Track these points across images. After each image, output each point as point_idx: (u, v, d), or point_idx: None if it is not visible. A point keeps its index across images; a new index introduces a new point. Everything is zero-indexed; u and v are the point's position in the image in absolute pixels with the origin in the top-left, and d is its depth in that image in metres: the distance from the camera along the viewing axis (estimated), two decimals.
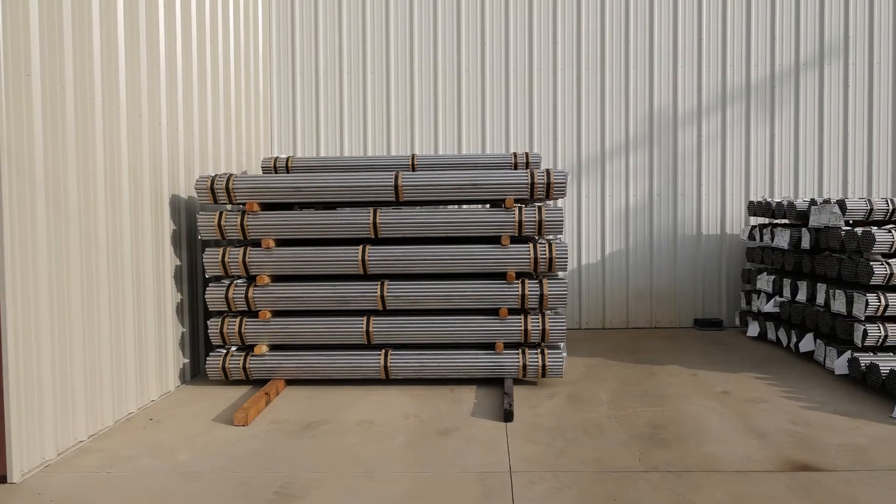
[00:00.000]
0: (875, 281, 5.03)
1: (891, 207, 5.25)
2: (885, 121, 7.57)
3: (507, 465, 3.64)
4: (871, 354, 5.14)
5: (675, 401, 4.81)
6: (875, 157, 7.59)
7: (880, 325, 5.08)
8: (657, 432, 4.16)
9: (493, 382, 5.30)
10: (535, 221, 5.02)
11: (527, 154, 6.34)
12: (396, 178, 5.07)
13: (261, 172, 6.81)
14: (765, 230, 6.65)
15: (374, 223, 5.08)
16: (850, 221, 5.44)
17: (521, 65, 7.71)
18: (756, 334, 6.93)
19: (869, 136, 7.59)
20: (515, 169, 6.34)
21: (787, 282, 6.24)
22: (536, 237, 5.35)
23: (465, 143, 7.75)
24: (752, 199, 7.66)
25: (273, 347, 5.33)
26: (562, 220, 5.01)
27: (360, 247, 5.12)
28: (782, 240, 6.19)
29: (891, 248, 5.01)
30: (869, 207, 5.27)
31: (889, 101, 7.57)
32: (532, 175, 5.02)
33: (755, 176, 7.68)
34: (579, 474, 3.52)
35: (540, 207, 5.04)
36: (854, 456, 3.71)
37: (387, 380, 5.30)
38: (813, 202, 5.81)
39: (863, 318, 5.10)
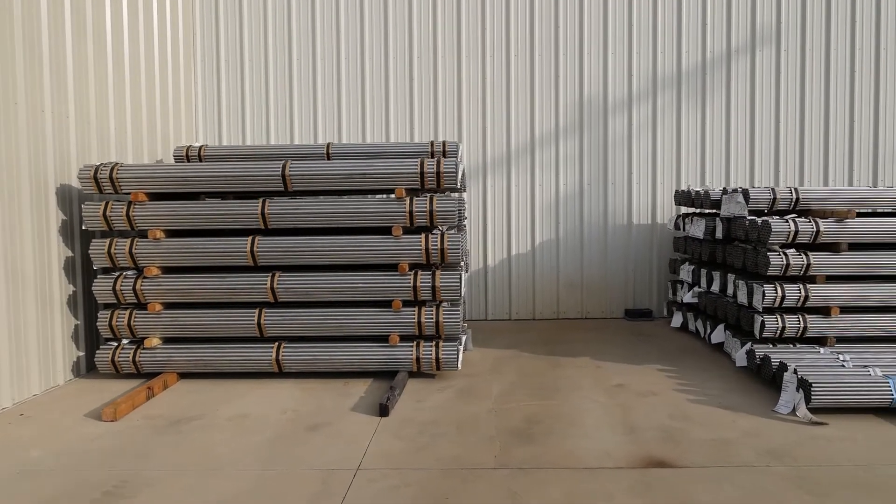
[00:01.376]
0: (772, 271, 4.94)
1: (795, 197, 5.16)
2: (817, 108, 7.48)
3: (358, 463, 3.56)
4: (771, 346, 5.06)
5: (565, 394, 4.73)
6: (807, 146, 7.50)
7: (778, 317, 5.00)
8: (530, 427, 4.08)
9: (391, 375, 5.20)
10: (426, 212, 4.91)
11: (444, 143, 6.24)
12: (284, 167, 4.95)
13: (173, 161, 6.67)
14: (686, 220, 6.56)
15: (263, 214, 4.97)
16: (765, 210, 5.35)
17: (450, 52, 7.57)
18: (679, 325, 6.87)
19: (801, 124, 7.49)
20: (432, 158, 6.23)
21: (703, 272, 6.16)
22: (442, 228, 5.24)
23: (393, 131, 7.62)
24: (682, 187, 7.56)
25: (167, 340, 5.22)
26: (454, 210, 4.90)
27: (250, 238, 5.01)
28: (698, 229, 6.10)
29: (788, 237, 4.93)
30: (772, 197, 5.18)
31: (822, 87, 7.47)
32: (422, 164, 4.90)
33: (686, 164, 7.58)
34: (427, 472, 3.44)
35: (432, 197, 4.93)
36: (716, 451, 3.63)
37: (281, 373, 5.19)
38: (725, 191, 5.71)
39: (760, 310, 5.02)
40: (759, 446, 3.69)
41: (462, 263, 5.49)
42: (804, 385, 4.11)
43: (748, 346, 5.08)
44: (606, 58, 7.54)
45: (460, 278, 4.96)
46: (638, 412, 4.31)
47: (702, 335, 6.24)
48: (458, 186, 5.16)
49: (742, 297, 5.25)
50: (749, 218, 5.24)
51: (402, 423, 4.19)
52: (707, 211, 6.50)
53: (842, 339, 5.10)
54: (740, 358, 5.10)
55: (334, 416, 4.34)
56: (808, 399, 4.09)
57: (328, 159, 6.04)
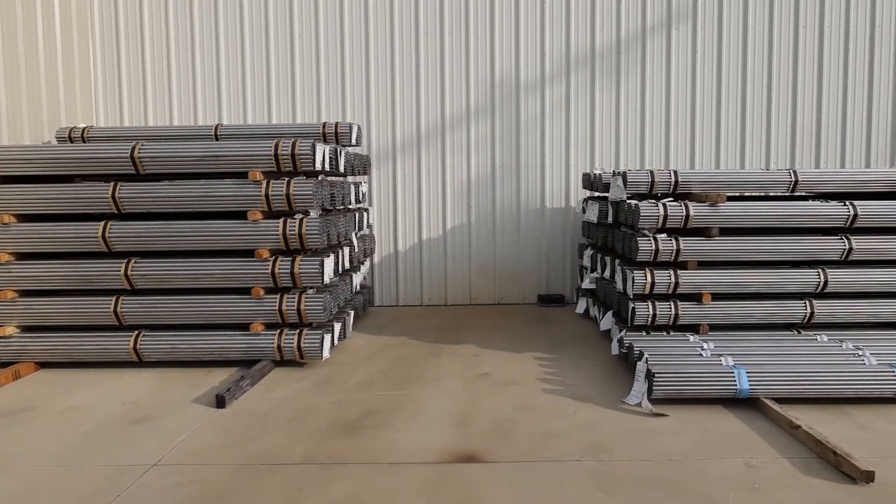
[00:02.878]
0: (642, 257, 4.79)
1: (674, 179, 4.99)
2: (734, 88, 7.28)
3: (159, 458, 3.41)
4: (644, 334, 4.92)
5: (425, 384, 4.59)
6: (723, 127, 7.32)
7: (650, 304, 4.85)
8: (364, 419, 3.93)
9: (265, 366, 5.03)
10: (282, 196, 4.72)
11: (336, 124, 6.06)
12: (133, 149, 4.75)
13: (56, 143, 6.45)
14: (586, 203, 6.39)
15: (115, 197, 4.77)
16: (644, 193, 5.18)
17: (357, 30, 7.33)
18: (583, 311, 6.73)
19: (717, 105, 7.30)
20: (324, 140, 6.05)
21: (599, 257, 6.01)
22: (315, 212, 5.06)
23: (300, 112, 7.42)
24: (596, 170, 7.38)
25: (25, 329, 5.05)
26: (311, 195, 4.71)
27: (102, 223, 4.82)
28: (592, 213, 5.94)
29: (658, 221, 4.77)
30: (650, 179, 5.01)
31: (739, 66, 7.27)
32: (276, 146, 4.71)
33: (601, 146, 7.39)
34: (224, 468, 3.29)
35: (289, 181, 4.74)
36: (536, 445, 3.50)
37: (143, 362, 5.03)
38: (614, 174, 5.54)
39: (631, 296, 4.87)
40: (584, 440, 3.56)
41: (328, 248, 5.32)
42: (649, 375, 3.97)
43: (622, 333, 4.93)
44: (518, 36, 7.32)
45: (321, 264, 4.79)
46: (486, 403, 4.17)
47: (598, 322, 6.10)
48: (325, 169, 4.97)
49: (620, 284, 5.10)
50: (628, 202, 5.07)
51: (236, 414, 4.05)
52: (599, 194, 6.34)
53: (716, 327, 4.95)
54: (614, 346, 4.97)
55: (172, 408, 4.19)
56: (650, 390, 3.95)
57: (216, 140, 5.85)
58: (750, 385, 3.90)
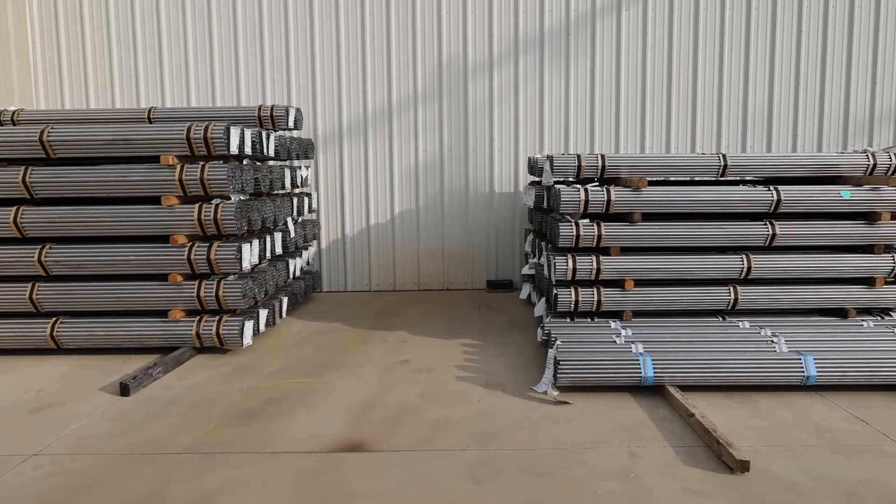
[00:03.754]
0: (563, 242, 4.72)
1: (601, 163, 4.91)
2: (685, 70, 7.18)
3: (42, 448, 3.37)
4: (568, 320, 4.87)
5: (341, 371, 4.54)
6: (674, 109, 7.23)
7: (572, 290, 4.79)
8: (266, 407, 3.89)
9: (184, 353, 4.96)
10: (197, 180, 4.64)
11: (272, 107, 5.97)
12: (42, 133, 4.65)
13: None
14: (526, 189, 6.32)
15: (26, 182, 4.68)
16: (572, 178, 5.10)
17: (301, 11, 7.20)
18: (526, 297, 6.68)
19: (668, 87, 7.20)
20: (260, 123, 5.96)
21: (536, 242, 5.95)
22: (239, 196, 4.98)
23: (244, 95, 7.30)
24: (545, 154, 7.29)
25: None
26: (225, 179, 4.62)
27: (14, 208, 4.73)
28: (529, 198, 5.87)
29: (579, 206, 4.69)
30: (577, 164, 4.93)
31: (690, 48, 7.16)
32: (189, 130, 4.61)
33: (550, 130, 7.30)
34: (103, 457, 3.24)
35: (203, 165, 4.65)
36: (428, 434, 3.45)
37: (62, 349, 4.97)
38: (547, 158, 5.45)
39: (554, 282, 4.82)
40: (479, 428, 3.51)
41: (251, 234, 5.24)
42: (555, 363, 3.92)
43: (547, 319, 4.88)
44: (466, 18, 7.19)
45: (238, 250, 4.71)
46: (395, 391, 4.12)
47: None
48: (247, 153, 4.87)
49: (546, 270, 5.04)
50: (556, 186, 5.00)
51: (138, 403, 3.99)
52: (537, 179, 6.25)
53: (641, 314, 4.89)
54: (539, 333, 4.91)
55: (76, 396, 4.13)
56: (555, 377, 3.90)
57: (149, 123, 5.75)
58: (655, 373, 3.85)
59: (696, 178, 5.21)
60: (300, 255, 6.54)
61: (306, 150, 6.76)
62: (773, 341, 4.12)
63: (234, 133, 4.69)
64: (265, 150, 5.40)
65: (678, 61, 7.15)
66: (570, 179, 5.33)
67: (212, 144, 4.61)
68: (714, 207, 4.72)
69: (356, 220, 7.46)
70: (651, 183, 4.96)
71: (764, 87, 7.16)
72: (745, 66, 7.12)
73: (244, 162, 5.20)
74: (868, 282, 4.78)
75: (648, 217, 4.81)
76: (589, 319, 4.89)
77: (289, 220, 6.03)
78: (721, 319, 4.83)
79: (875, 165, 4.90)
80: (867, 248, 4.79)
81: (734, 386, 3.94)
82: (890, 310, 4.87)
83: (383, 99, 7.28)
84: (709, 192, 4.70)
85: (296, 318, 6.17)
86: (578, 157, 4.92)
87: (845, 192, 4.61)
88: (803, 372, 3.81)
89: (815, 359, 3.82)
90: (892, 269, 4.71)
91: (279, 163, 6.52)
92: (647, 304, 4.80)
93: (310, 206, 6.84)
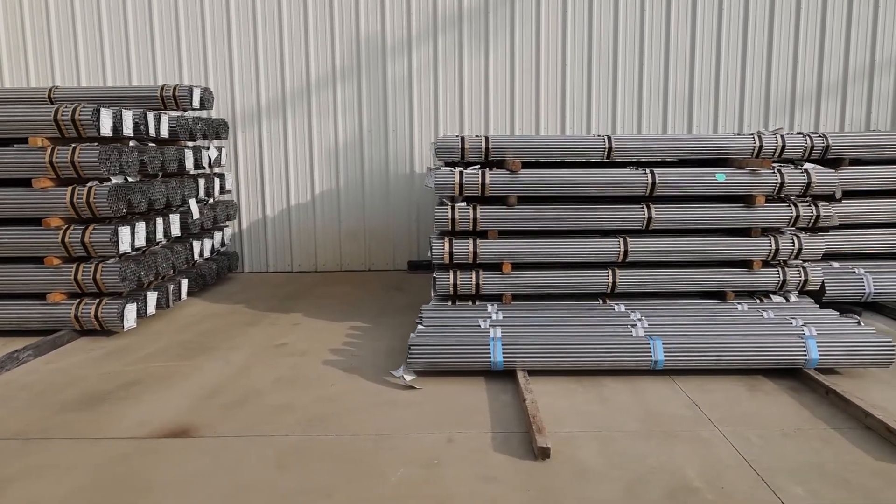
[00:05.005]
0: (439, 226, 4.71)
1: (485, 146, 4.86)
2: (605, 50, 7.10)
3: None
4: (450, 304, 4.86)
5: (213, 354, 4.54)
6: (594, 90, 7.16)
7: (451, 273, 4.77)
8: (117, 391, 3.89)
9: (73, 333, 4.92)
10: (68, 163, 4.59)
11: (175, 87, 5.90)
12: None
13: None
14: (429, 170, 6.26)
15: None
16: (455, 160, 5.04)
17: None
18: None
19: (588, 67, 7.12)
20: (163, 104, 5.90)
21: None
22: (111, 179, 4.93)
23: (161, 74, 7.20)
24: (465, 134, 7.22)
25: None
26: (97, 161, 4.57)
27: None
28: (430, 180, 5.80)
29: (454, 189, 4.66)
30: (461, 146, 4.88)
31: (610, 27, 7.06)
32: (57, 112, 4.55)
33: (469, 110, 7.23)
34: None
35: (74, 147, 4.60)
36: (261, 419, 3.46)
37: None
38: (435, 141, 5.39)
39: (433, 266, 4.79)
40: (315, 413, 3.52)
41: (136, 216, 5.20)
42: (408, 347, 3.92)
43: (430, 303, 4.87)
44: None
45: (114, 233, 4.68)
46: (252, 375, 4.13)
47: None
48: (109, 134, 4.80)
49: (430, 253, 5.02)
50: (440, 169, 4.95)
51: None
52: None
53: (520, 297, 4.89)
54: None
55: None
56: (406, 361, 3.90)
57: (50, 103, 5.66)
58: (506, 358, 3.85)
59: (587, 161, 5.16)
60: (210, 237, 6.50)
61: (217, 130, 6.69)
62: (633, 325, 4.11)
63: (106, 115, 4.62)
64: (154, 132, 5.33)
65: (598, 41, 7.07)
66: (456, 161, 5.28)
67: (81, 126, 4.55)
68: (591, 191, 4.69)
69: (277, 201, 7.42)
70: (540, 165, 4.93)
71: (685, 66, 7.08)
72: (666, 46, 7.05)
73: (130, 143, 5.13)
74: (747, 265, 4.76)
75: (530, 200, 4.78)
76: (470, 302, 4.87)
77: (191, 201, 5.98)
78: (601, 302, 4.82)
79: (762, 147, 4.87)
80: (746, 232, 4.77)
81: (592, 371, 3.94)
82: (771, 292, 4.87)
83: (302, 78, 7.19)
84: (585, 176, 4.66)
85: (202, 299, 6.15)
86: (462, 138, 4.88)
87: (720, 175, 4.58)
88: (651, 357, 3.81)
89: (663, 343, 3.82)
90: (770, 252, 4.69)
91: (193, 143, 6.43)
92: (526, 287, 4.79)
93: (222, 187, 6.79)
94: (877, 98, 7.09)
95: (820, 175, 4.63)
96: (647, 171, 4.64)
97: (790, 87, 7.09)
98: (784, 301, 4.79)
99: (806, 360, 3.78)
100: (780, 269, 4.75)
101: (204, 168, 6.37)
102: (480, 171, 4.67)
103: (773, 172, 4.62)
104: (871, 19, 6.96)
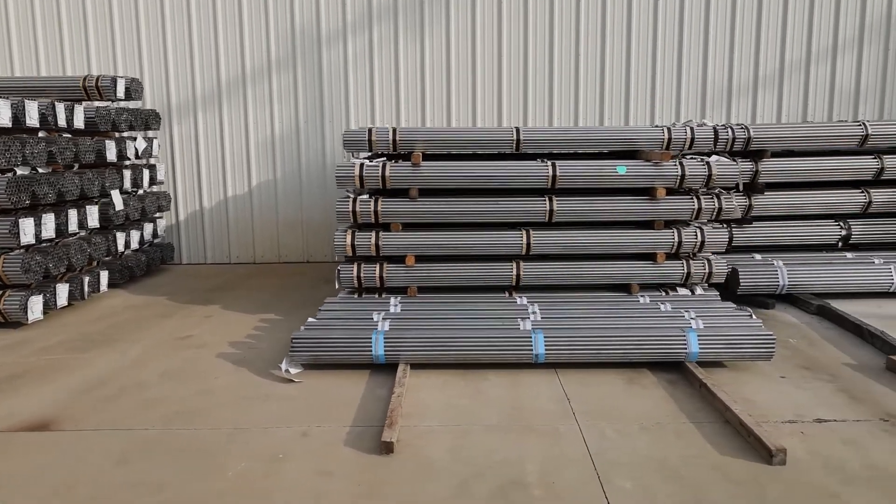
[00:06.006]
0: (340, 218, 4.70)
1: (392, 138, 4.83)
2: (541, 42, 7.05)
3: None
4: (356, 296, 4.84)
5: (111, 347, 4.52)
6: (531, 82, 7.11)
7: (355, 266, 4.75)
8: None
9: None
10: None
11: (98, 77, 5.88)
12: None
13: None
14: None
15: None
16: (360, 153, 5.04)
17: None
18: None
19: (524, 57, 7.08)
20: (87, 96, 5.86)
21: None
22: (18, 171, 4.89)
23: (95, 63, 7.15)
24: (402, 125, 7.19)
25: None
26: None
27: None
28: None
29: (355, 182, 4.63)
30: (368, 138, 4.85)
31: (546, 19, 7.01)
32: None
33: (406, 101, 7.18)
34: None
35: None
36: (128, 413, 3.45)
37: None
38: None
39: (336, 259, 4.77)
40: (185, 407, 3.51)
41: (41, 207, 5.16)
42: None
43: (337, 297, 4.85)
44: None
45: (14, 224, 4.65)
46: (142, 368, 4.11)
47: None
48: (8, 125, 4.76)
49: None
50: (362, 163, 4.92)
51: None
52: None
53: (426, 290, 4.87)
54: None
55: None
56: (289, 354, 3.89)
57: None
58: (388, 351, 3.84)
59: (499, 154, 5.13)
60: (139, 228, 6.47)
61: (147, 121, 6.65)
62: (523, 319, 4.10)
63: (4, 105, 4.58)
64: (66, 123, 5.29)
65: (534, 32, 7.02)
66: (367, 154, 5.25)
67: None
68: (494, 183, 4.67)
69: (214, 192, 7.39)
70: (453, 158, 4.91)
71: (621, 59, 7.04)
72: (602, 38, 7.01)
73: (39, 134, 5.09)
74: (652, 257, 4.75)
75: (438, 193, 4.75)
76: (377, 295, 4.86)
77: (113, 192, 5.94)
78: (507, 295, 4.81)
79: (671, 140, 4.84)
80: (651, 224, 4.75)
81: (479, 364, 3.92)
82: (676, 285, 4.86)
83: (237, 68, 7.14)
84: (487, 168, 4.64)
85: (127, 291, 6.13)
86: (369, 130, 4.85)
87: (621, 168, 4.56)
88: (532, 350, 3.80)
89: (545, 337, 3.81)
90: (673, 245, 4.68)
91: (119, 135, 6.37)
92: (431, 280, 4.78)
93: (152, 178, 6.75)
94: (813, 89, 7.06)
95: (721, 167, 4.61)
96: (549, 163, 4.61)
97: (727, 79, 7.06)
98: (690, 294, 4.78)
99: (686, 353, 3.77)
100: (684, 262, 4.73)
101: (130, 159, 6.32)
102: (381, 163, 4.64)
103: (675, 165, 4.59)
104: (806, 10, 6.92)
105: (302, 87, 7.17)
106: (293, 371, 3.91)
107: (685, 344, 3.77)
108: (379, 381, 3.81)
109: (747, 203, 5.76)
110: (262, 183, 7.36)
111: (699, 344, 3.77)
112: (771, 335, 3.79)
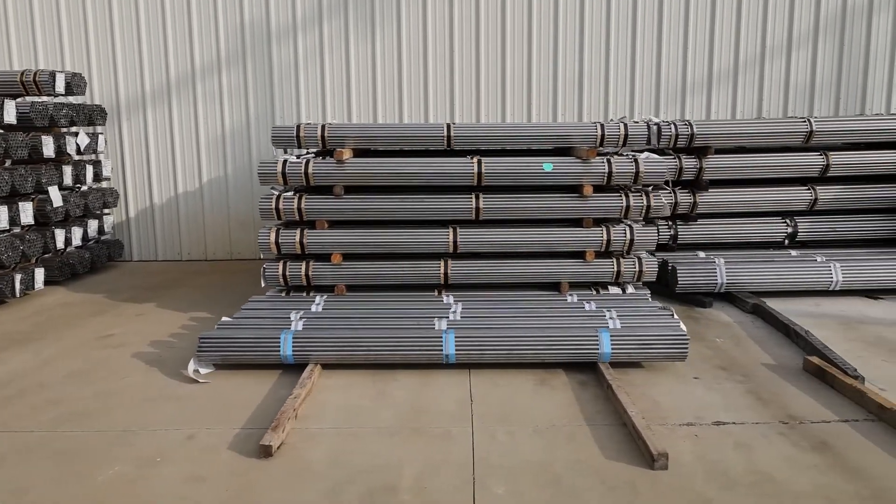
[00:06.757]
0: (264, 216, 4.61)
1: (321, 134, 4.75)
2: (493, 36, 6.97)
3: None
4: (284, 295, 4.78)
5: (29, 346, 4.46)
6: (483, 76, 7.04)
7: (280, 264, 4.68)
8: None
9: None
10: None
11: (36, 72, 5.79)
12: None
13: None
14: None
15: None
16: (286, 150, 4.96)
17: None
18: None
19: (476, 54, 7.00)
20: (26, 91, 5.78)
21: None
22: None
23: (42, 59, 7.05)
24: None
25: None
26: None
27: None
28: None
29: (277, 178, 4.56)
30: (296, 134, 4.77)
31: (497, 13, 6.93)
32: None
33: (357, 97, 7.11)
34: None
35: None
36: (23, 414, 3.39)
37: None
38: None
39: (262, 257, 4.70)
40: (82, 408, 3.45)
41: None
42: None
43: (265, 295, 4.78)
44: None
45: None
46: (51, 368, 4.05)
47: None
48: None
49: None
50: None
51: None
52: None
53: (355, 288, 4.80)
54: None
55: None
56: (196, 355, 3.82)
57: None
58: (297, 351, 3.77)
59: (436, 150, 5.05)
60: (82, 225, 6.39)
61: (91, 116, 6.57)
62: (439, 318, 4.03)
63: None
64: None
65: (486, 28, 6.94)
66: (300, 151, 5.18)
67: None
68: (419, 180, 4.60)
69: (164, 189, 7.31)
70: (386, 154, 4.84)
71: (574, 55, 6.96)
72: (554, 34, 6.93)
73: None
74: (581, 256, 4.68)
75: (368, 190, 4.69)
76: (305, 294, 4.79)
77: (51, 189, 5.86)
78: (437, 294, 4.74)
79: (604, 136, 4.76)
80: (580, 222, 4.68)
81: (392, 364, 3.85)
82: (608, 283, 4.79)
83: (186, 64, 7.06)
84: (412, 165, 4.57)
85: (66, 289, 6.07)
86: (298, 126, 4.77)
87: (547, 165, 4.49)
88: (442, 350, 3.73)
89: (456, 337, 3.74)
90: (602, 243, 4.61)
91: (70, 130, 6.29)
92: (358, 278, 4.71)
93: (97, 175, 6.67)
94: (768, 85, 6.99)
95: (648, 164, 4.54)
96: (474, 160, 4.54)
97: (681, 75, 6.99)
98: (621, 292, 4.71)
99: (599, 354, 3.70)
100: (614, 260, 4.66)
101: (71, 155, 6.24)
102: (305, 159, 4.56)
103: (602, 162, 4.52)
104: (761, 5, 6.84)
105: (252, 83, 7.08)
106: (204, 371, 3.84)
107: (597, 345, 3.70)
108: (286, 382, 3.73)
109: (692, 200, 5.69)
110: (212, 179, 7.28)
111: (612, 345, 3.70)
112: (685, 335, 3.72)
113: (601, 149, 4.71)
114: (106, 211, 6.93)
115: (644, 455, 2.80)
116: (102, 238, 6.85)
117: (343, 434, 3.10)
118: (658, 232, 5.23)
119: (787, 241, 5.83)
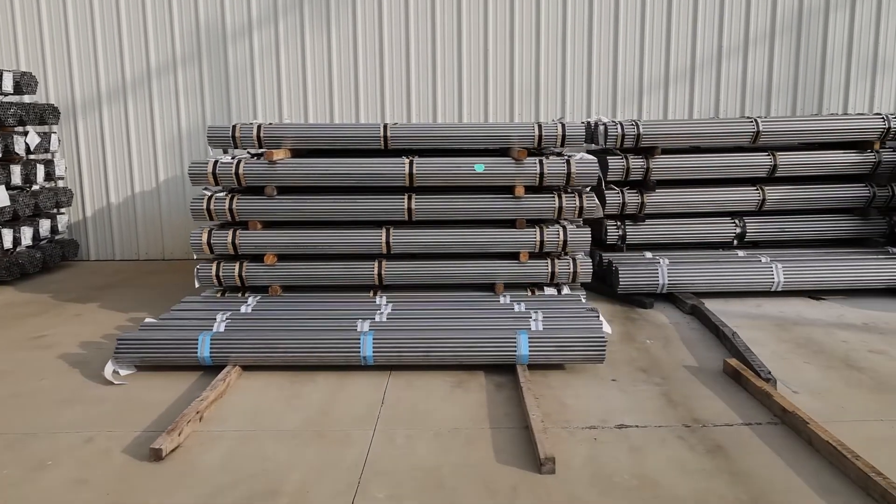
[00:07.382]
0: (195, 216, 4.61)
1: (257, 134, 4.73)
2: (450, 35, 6.94)
3: None
4: (219, 296, 4.76)
5: None
6: (439, 76, 7.00)
7: (214, 265, 4.66)
8: None
9: None
10: None
11: (9, 72, 5.73)
12: None
13: None
14: None
15: None
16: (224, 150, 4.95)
17: None
18: None
19: (433, 54, 6.97)
20: (14, 90, 5.77)
21: None
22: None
23: (23, 60, 7.02)
24: (311, 122, 7.10)
25: None
26: None
27: None
28: None
29: (208, 179, 4.54)
30: (231, 134, 4.75)
31: (454, 11, 6.90)
32: None
33: (314, 97, 7.08)
34: None
35: None
36: None
37: None
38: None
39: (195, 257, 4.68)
40: None
41: None
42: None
43: (200, 295, 4.77)
44: None
45: None
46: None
47: None
48: None
49: None
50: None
51: None
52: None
53: (291, 289, 4.78)
54: None
55: None
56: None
57: None
58: (215, 352, 3.76)
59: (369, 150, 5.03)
60: (32, 225, 6.37)
61: (42, 115, 6.54)
62: (363, 320, 4.01)
63: None
64: None
65: (442, 27, 6.91)
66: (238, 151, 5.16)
67: None
68: (352, 181, 4.58)
69: (121, 188, 7.29)
70: (326, 154, 4.82)
71: (531, 55, 6.94)
72: (510, 33, 6.90)
73: None
74: (516, 256, 4.66)
75: (304, 191, 4.67)
76: (240, 294, 4.77)
77: None
78: (372, 294, 4.73)
79: (542, 136, 4.75)
80: (514, 223, 4.66)
81: (313, 366, 3.83)
82: (543, 284, 4.77)
83: (142, 63, 7.03)
84: (344, 166, 4.56)
85: (14, 289, 6.05)
86: (233, 127, 4.76)
87: (479, 166, 4.47)
88: (360, 353, 3.71)
89: (374, 339, 3.72)
90: (536, 244, 4.59)
91: (24, 129, 6.27)
92: (293, 279, 4.69)
93: (49, 174, 6.65)
94: (725, 84, 6.97)
95: (581, 165, 4.52)
96: (406, 160, 4.52)
97: (637, 74, 6.96)
98: (556, 293, 4.70)
99: (517, 356, 3.68)
100: (549, 261, 4.65)
101: (20, 154, 6.21)
102: (236, 160, 4.54)
103: (534, 162, 4.50)
104: (717, 4, 6.82)
105: (208, 82, 7.06)
106: (124, 373, 3.83)
107: (515, 347, 3.68)
108: (203, 384, 3.71)
109: (640, 201, 5.67)
110: (169, 179, 7.26)
111: (530, 346, 3.68)
112: (603, 338, 3.71)
113: (551, 149, 4.69)
114: (60, 210, 6.90)
115: (536, 459, 2.79)
116: (56, 238, 6.82)
117: (244, 437, 3.08)
118: (606, 232, 5.26)
119: (735, 242, 5.81)
